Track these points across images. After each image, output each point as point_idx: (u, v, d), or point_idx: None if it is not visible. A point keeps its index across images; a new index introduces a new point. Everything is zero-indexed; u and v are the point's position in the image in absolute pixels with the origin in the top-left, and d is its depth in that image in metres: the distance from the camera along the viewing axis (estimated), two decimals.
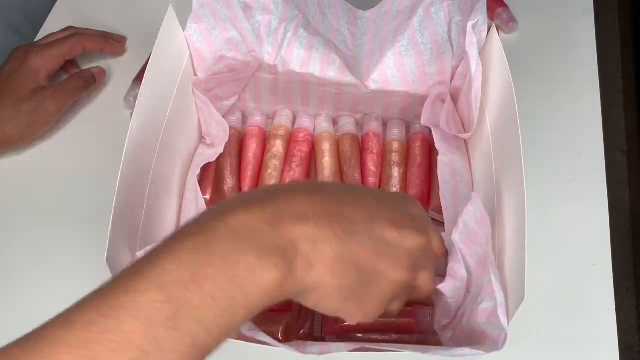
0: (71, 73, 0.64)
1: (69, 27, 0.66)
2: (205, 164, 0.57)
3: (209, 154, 0.54)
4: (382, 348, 0.37)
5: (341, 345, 0.37)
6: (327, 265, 0.31)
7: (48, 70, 0.60)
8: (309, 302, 0.32)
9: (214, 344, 0.28)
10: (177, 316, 0.26)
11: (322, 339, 0.48)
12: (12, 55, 0.61)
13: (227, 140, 0.54)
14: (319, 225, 0.31)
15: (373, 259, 0.33)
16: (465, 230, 0.43)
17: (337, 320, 0.48)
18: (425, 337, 0.47)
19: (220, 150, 0.54)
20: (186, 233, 0.29)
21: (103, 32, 0.68)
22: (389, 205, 0.36)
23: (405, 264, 0.34)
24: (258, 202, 0.31)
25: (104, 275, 0.36)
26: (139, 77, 0.66)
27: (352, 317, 0.34)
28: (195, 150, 0.57)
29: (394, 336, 0.46)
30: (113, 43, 0.67)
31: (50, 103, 0.59)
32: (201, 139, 0.58)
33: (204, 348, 0.27)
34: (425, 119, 0.53)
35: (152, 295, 0.26)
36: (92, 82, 0.64)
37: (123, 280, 0.27)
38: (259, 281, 0.28)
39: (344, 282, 0.32)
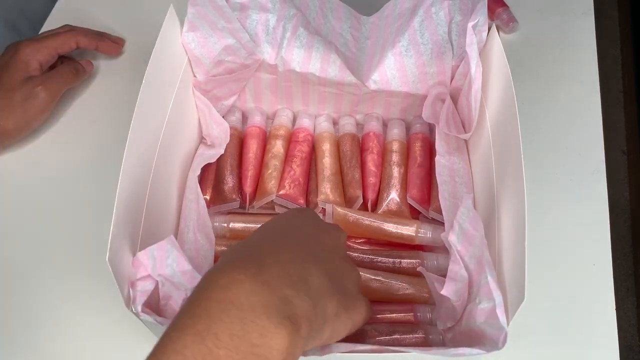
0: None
1: (65, 25, 0.65)
2: (205, 164, 0.57)
3: (210, 155, 0.54)
4: (382, 348, 0.37)
5: (342, 345, 0.37)
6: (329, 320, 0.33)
7: (39, 62, 0.59)
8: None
9: None
10: None
11: None
12: (5, 50, 0.60)
13: (228, 141, 0.54)
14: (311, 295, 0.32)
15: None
16: (461, 232, 0.43)
17: None
18: (427, 335, 0.47)
19: (221, 151, 0.54)
20: (183, 325, 0.29)
21: (100, 31, 0.67)
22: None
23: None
24: (243, 267, 0.31)
25: (105, 275, 0.37)
26: None
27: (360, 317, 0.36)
28: (196, 150, 0.57)
29: (396, 336, 0.46)
30: (108, 42, 0.67)
31: (42, 90, 0.58)
32: (201, 139, 0.58)
33: None
34: (426, 116, 0.53)
35: None
36: (83, 72, 0.64)
37: None
38: (275, 342, 0.28)
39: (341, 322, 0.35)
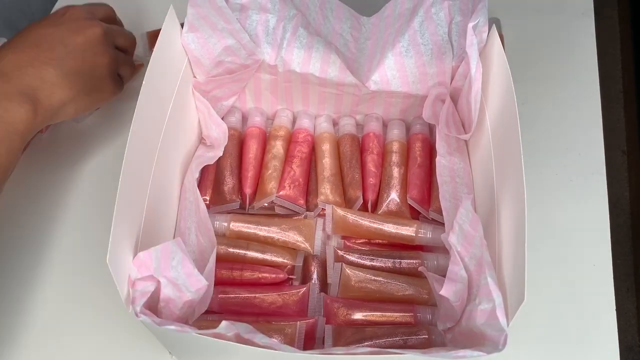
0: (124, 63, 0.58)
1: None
2: (204, 166, 0.57)
3: (208, 157, 0.54)
4: (381, 350, 0.37)
5: (340, 348, 0.37)
6: (61, 84, 0.48)
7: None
8: (69, 115, 0.50)
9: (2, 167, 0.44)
10: None
11: (322, 341, 0.48)
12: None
13: (226, 142, 0.54)
14: (35, 66, 0.47)
15: (73, 40, 0.50)
16: (461, 233, 0.43)
17: (338, 315, 0.48)
18: (430, 336, 0.47)
19: (220, 153, 0.54)
20: None
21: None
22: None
23: (87, 22, 0.51)
24: None
25: (106, 276, 0.37)
26: (153, 36, 0.65)
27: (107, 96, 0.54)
28: (195, 151, 0.57)
29: (398, 339, 0.46)
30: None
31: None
32: (201, 139, 0.58)
33: None
34: (427, 116, 0.53)
35: None
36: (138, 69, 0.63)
37: None
38: (18, 115, 0.45)
39: (80, 80, 0.50)
